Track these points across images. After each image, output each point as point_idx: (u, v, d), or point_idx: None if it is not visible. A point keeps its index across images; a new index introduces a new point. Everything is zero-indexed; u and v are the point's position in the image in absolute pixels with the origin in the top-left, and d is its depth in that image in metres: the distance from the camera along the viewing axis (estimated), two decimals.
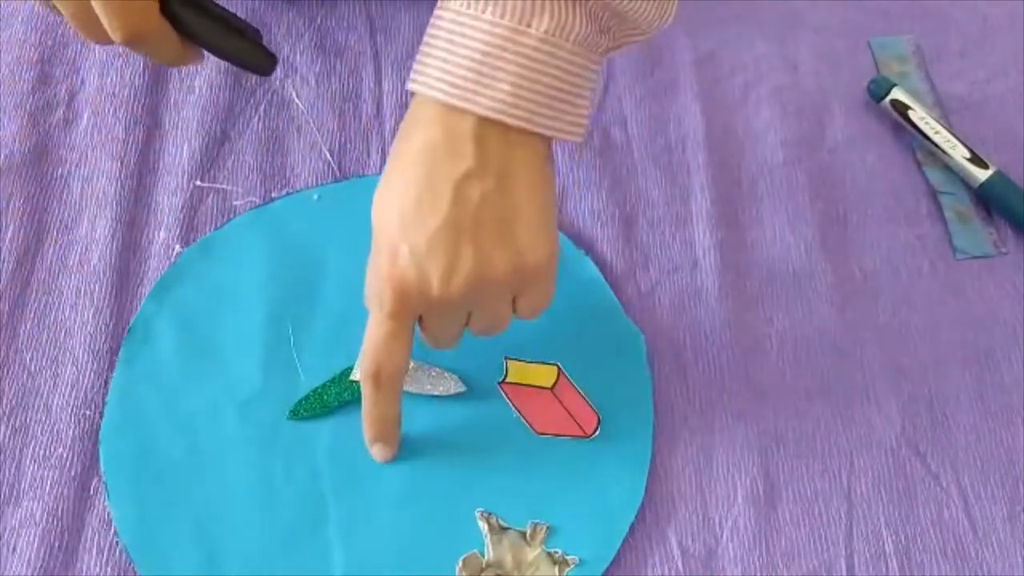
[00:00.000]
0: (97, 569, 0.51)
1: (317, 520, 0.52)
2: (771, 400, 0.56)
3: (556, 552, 0.51)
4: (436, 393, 0.54)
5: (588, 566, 0.51)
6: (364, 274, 0.49)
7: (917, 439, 0.55)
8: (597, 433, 0.54)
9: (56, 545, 0.51)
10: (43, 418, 0.54)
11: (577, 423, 0.54)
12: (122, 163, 0.62)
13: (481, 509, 0.52)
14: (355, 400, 0.54)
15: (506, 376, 0.56)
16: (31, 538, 0.51)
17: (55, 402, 0.54)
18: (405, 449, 0.53)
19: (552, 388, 0.55)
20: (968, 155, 0.63)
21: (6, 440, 0.53)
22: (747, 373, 0.57)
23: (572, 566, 0.51)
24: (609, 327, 0.57)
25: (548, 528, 0.52)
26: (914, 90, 0.67)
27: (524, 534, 0.52)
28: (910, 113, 0.64)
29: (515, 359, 0.56)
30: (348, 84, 0.66)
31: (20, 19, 0.68)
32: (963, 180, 0.64)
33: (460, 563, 0.51)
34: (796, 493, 0.53)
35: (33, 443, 0.53)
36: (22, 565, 0.50)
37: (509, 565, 0.51)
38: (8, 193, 0.61)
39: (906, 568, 0.51)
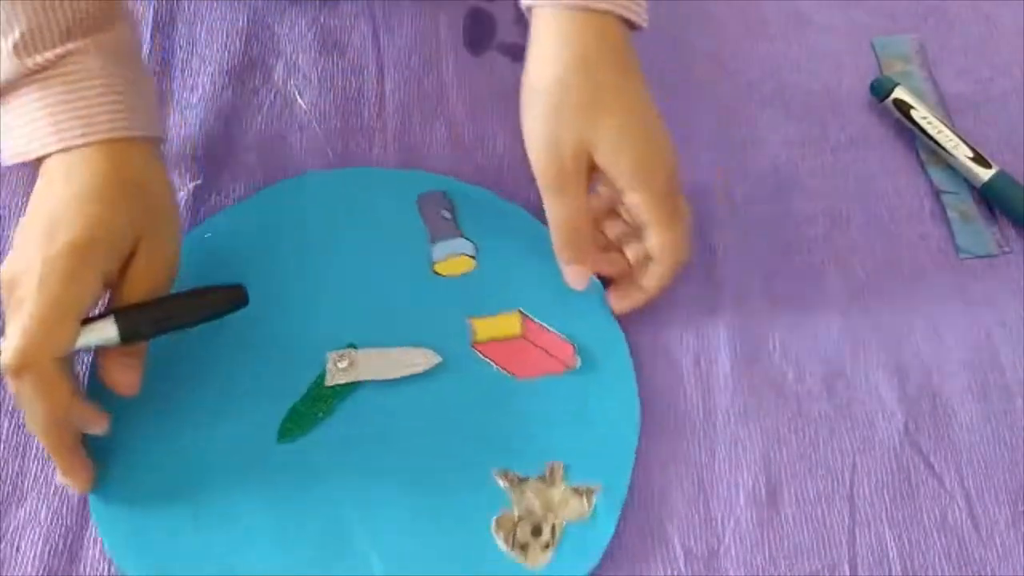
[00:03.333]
0: (100, 568, 0.51)
1: (343, 532, 0.51)
2: (773, 400, 0.56)
3: (579, 485, 0.52)
4: (415, 372, 0.54)
5: (611, 491, 0.52)
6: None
7: (920, 440, 0.55)
8: (578, 363, 0.55)
9: (59, 544, 0.51)
10: None
11: (555, 357, 0.55)
12: None
13: (495, 468, 0.52)
14: (338, 406, 0.53)
15: (475, 336, 0.56)
16: (35, 537, 0.51)
17: None
18: (405, 434, 0.53)
19: (521, 334, 0.56)
20: (971, 154, 0.63)
21: (10, 437, 0.54)
22: (750, 373, 0.57)
23: (597, 492, 0.52)
24: (557, 263, 0.57)
25: (564, 466, 0.52)
26: (917, 89, 0.67)
27: (543, 478, 0.52)
28: (913, 112, 0.64)
29: (477, 317, 0.56)
30: (351, 83, 0.66)
31: None
32: (966, 179, 0.63)
33: (494, 524, 0.51)
34: (798, 494, 0.53)
35: (36, 441, 0.54)
36: (26, 563, 0.50)
37: (539, 511, 0.51)
38: (11, 191, 0.61)
39: (909, 570, 0.51)
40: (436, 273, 0.58)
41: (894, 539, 0.52)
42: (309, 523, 0.51)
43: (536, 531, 0.51)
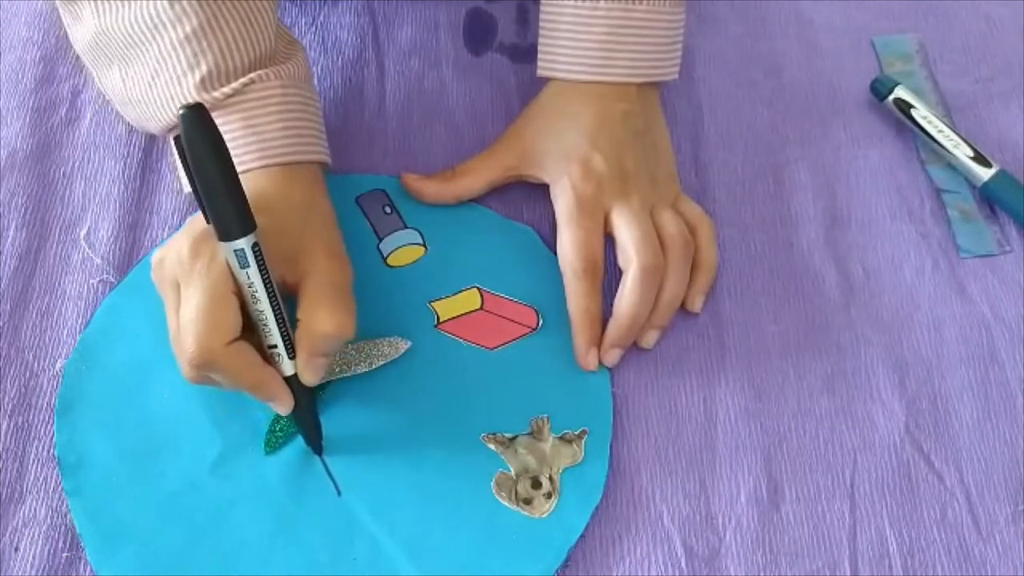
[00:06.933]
0: None
1: (352, 526, 0.51)
2: (774, 399, 0.56)
3: (565, 433, 0.54)
4: (388, 360, 0.55)
5: (597, 432, 0.54)
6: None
7: (921, 438, 0.55)
8: (540, 323, 0.57)
9: (59, 544, 0.51)
10: (46, 417, 0.54)
11: (517, 323, 0.57)
12: (125, 163, 0.62)
13: (483, 434, 0.54)
14: (319, 407, 0.53)
15: (438, 318, 0.57)
16: (34, 537, 0.51)
17: (57, 401, 0.54)
18: (389, 421, 0.54)
19: (481, 307, 0.57)
20: (971, 153, 0.63)
21: (9, 438, 0.54)
22: (750, 372, 0.57)
23: (584, 436, 0.54)
24: (501, 235, 0.60)
25: (548, 419, 0.54)
26: (917, 89, 0.67)
27: (531, 434, 0.54)
28: (913, 112, 0.64)
29: (436, 300, 0.58)
30: (351, 82, 0.66)
31: (23, 18, 0.68)
32: (966, 178, 0.63)
33: (494, 486, 0.52)
34: (799, 492, 0.53)
35: (36, 442, 0.54)
36: (25, 564, 0.50)
37: (535, 465, 0.53)
38: (11, 192, 0.61)
39: (909, 568, 0.51)
40: (389, 265, 0.59)
41: (895, 537, 0.52)
42: (315, 524, 0.51)
43: (536, 484, 0.52)
